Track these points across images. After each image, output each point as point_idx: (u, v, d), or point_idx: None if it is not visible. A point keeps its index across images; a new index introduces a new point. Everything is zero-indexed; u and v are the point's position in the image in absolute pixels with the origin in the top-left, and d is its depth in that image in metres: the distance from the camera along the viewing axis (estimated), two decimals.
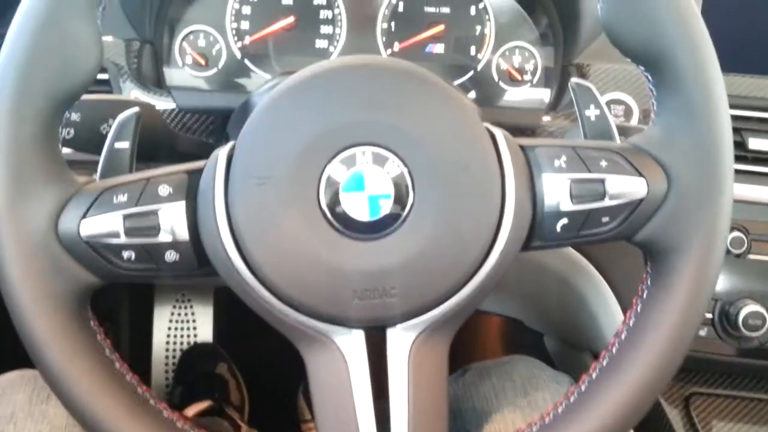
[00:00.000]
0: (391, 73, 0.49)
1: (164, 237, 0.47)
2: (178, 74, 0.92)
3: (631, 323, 0.52)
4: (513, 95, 0.95)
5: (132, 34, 0.84)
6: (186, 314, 1.50)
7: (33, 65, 0.45)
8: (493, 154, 0.48)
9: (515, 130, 0.50)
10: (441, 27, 0.94)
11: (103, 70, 0.80)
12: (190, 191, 0.48)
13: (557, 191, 0.49)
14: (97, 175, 0.50)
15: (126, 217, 0.46)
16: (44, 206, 0.46)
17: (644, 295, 0.52)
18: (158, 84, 0.88)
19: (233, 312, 1.38)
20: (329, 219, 0.46)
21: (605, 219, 0.50)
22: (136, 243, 0.47)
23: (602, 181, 0.49)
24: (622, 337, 0.52)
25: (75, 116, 0.60)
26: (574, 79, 0.56)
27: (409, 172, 0.47)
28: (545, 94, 0.94)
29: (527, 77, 0.95)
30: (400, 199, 0.46)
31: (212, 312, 1.51)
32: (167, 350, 1.48)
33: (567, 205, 0.49)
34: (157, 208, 0.47)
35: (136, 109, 0.51)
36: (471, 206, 0.47)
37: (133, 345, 1.41)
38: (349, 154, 0.46)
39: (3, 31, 0.46)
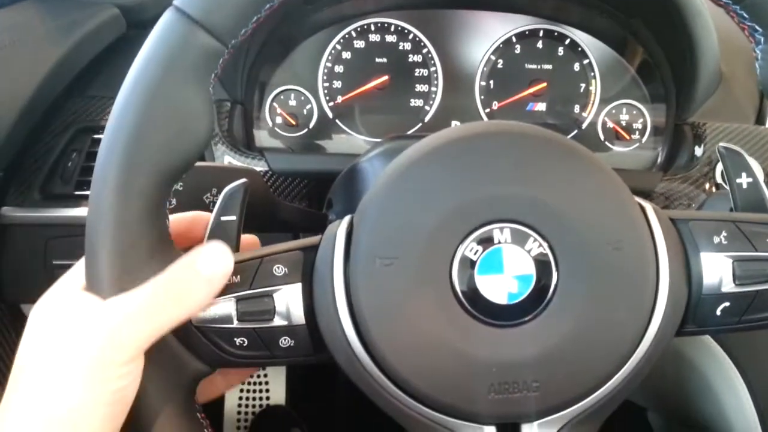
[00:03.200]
0: (529, 141, 0.44)
1: (279, 321, 0.43)
2: (267, 135, 0.90)
3: None
4: (620, 156, 0.90)
5: (223, 94, 0.83)
6: (258, 375, 1.46)
7: (141, 139, 0.40)
8: (646, 230, 0.43)
9: None
10: (543, 84, 0.90)
11: None
12: (306, 271, 0.44)
13: (718, 271, 0.44)
14: None
15: (239, 300, 0.43)
16: None
17: None
18: (248, 146, 0.86)
19: (307, 372, 1.34)
20: (463, 303, 0.41)
21: None
22: (249, 328, 0.43)
23: None
24: None
25: (177, 185, 0.57)
26: (722, 144, 0.50)
27: (553, 251, 0.42)
28: (656, 155, 0.89)
29: (635, 136, 0.90)
30: (542, 281, 0.42)
31: (285, 372, 1.47)
32: (239, 413, 1.44)
33: (729, 287, 0.44)
34: (272, 290, 0.43)
35: (244, 180, 0.47)
36: (622, 289, 0.42)
37: (204, 408, 1.37)
38: (485, 232, 0.42)
39: (108, 94, 0.42)
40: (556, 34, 0.90)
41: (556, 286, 0.42)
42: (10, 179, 0.75)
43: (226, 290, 0.43)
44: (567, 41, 0.90)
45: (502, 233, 0.42)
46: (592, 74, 0.90)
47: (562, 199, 0.42)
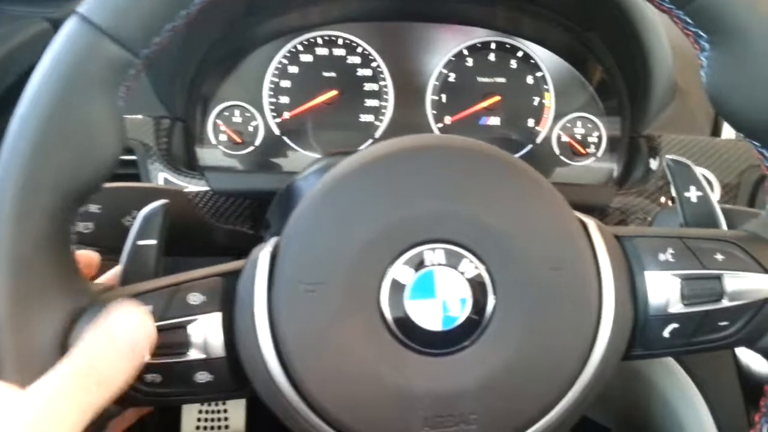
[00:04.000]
0: (462, 156, 0.41)
1: (195, 355, 0.40)
2: (210, 154, 0.86)
3: None
4: (575, 170, 0.88)
5: (162, 111, 0.79)
6: (218, 410, 1.42)
7: (41, 156, 0.37)
8: (588, 249, 0.41)
9: (581, 211, 0.43)
10: (496, 98, 0.88)
11: (131, 151, 0.74)
12: (227, 299, 0.40)
13: (665, 291, 0.42)
14: (118, 278, 0.44)
15: None
16: (51, 323, 0.38)
17: None
18: (189, 165, 0.82)
19: (266, 408, 1.29)
20: (394, 331, 0.39)
21: (723, 323, 0.42)
22: (162, 363, 0.39)
23: (718, 278, 0.42)
24: None
25: (94, 208, 0.54)
26: (669, 156, 0.49)
27: (489, 273, 0.39)
28: (611, 169, 0.87)
29: (591, 150, 0.88)
30: (478, 305, 0.39)
31: (244, 408, 1.43)
32: None
33: (677, 308, 0.42)
34: (187, 320, 0.40)
35: (162, 201, 0.45)
36: (563, 312, 0.39)
37: None
38: (416, 254, 0.39)
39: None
40: (508, 46, 0.89)
41: (492, 310, 0.39)
42: None
43: None
44: (520, 54, 0.88)
45: (434, 254, 0.39)
46: (546, 87, 0.88)
47: (498, 217, 0.40)
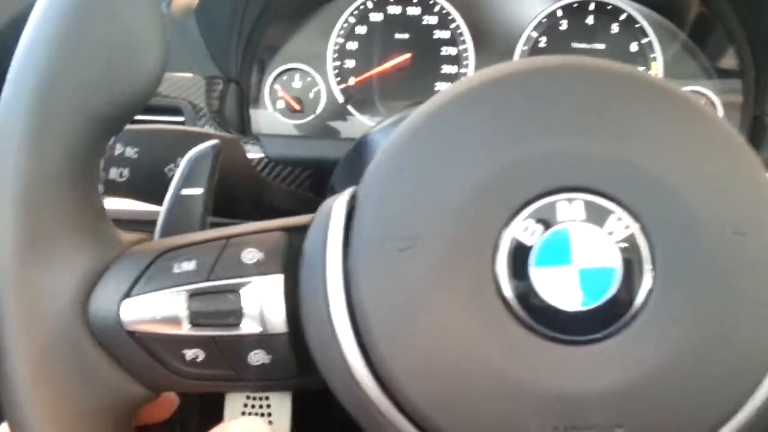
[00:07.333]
0: (609, 80, 0.33)
1: (249, 328, 0.34)
2: (266, 119, 0.82)
3: None
4: None
5: (214, 71, 0.74)
6: (261, 405, 1.36)
7: (63, 66, 0.32)
8: None
9: None
10: None
11: (178, 112, 0.70)
12: (291, 259, 0.34)
13: None
14: (155, 233, 0.38)
15: (192, 295, 0.33)
16: (70, 278, 0.34)
17: None
18: (242, 130, 0.78)
19: (314, 403, 1.24)
20: (513, 308, 0.31)
21: None
22: (206, 336, 0.34)
23: None
24: None
25: (131, 151, 0.49)
26: None
27: (646, 235, 0.31)
28: None
29: None
30: (630, 278, 0.31)
31: (290, 403, 1.36)
32: None
33: None
34: (239, 282, 0.34)
35: (214, 142, 0.39)
36: (747, 292, 0.31)
37: None
38: (546, 206, 0.31)
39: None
40: (609, 7, 0.81)
41: (650, 286, 0.31)
42: None
43: (173, 281, 0.34)
44: (623, 16, 0.81)
45: (570, 207, 0.31)
46: (653, 56, 0.80)
47: (660, 161, 0.32)
